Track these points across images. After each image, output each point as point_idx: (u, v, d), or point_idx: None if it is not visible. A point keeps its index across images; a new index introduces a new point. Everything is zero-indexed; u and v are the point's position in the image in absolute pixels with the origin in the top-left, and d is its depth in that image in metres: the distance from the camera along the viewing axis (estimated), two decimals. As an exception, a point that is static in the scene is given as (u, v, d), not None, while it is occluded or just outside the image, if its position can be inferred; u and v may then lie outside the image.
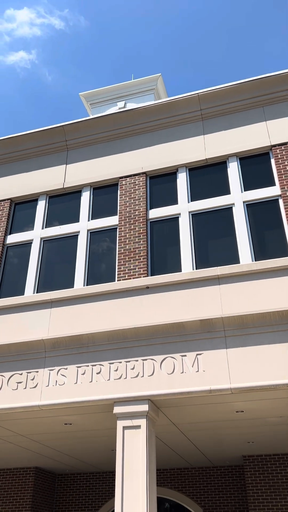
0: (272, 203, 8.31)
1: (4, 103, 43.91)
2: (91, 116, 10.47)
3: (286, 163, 8.43)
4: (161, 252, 8.62)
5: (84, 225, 9.34)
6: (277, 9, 37.84)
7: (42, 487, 12.24)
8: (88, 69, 43.64)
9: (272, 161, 8.64)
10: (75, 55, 42.88)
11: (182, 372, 6.82)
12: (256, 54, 41.63)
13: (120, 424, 6.80)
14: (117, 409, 6.87)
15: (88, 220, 9.39)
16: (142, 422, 6.73)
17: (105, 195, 9.65)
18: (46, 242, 9.52)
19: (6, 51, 42.01)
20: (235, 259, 7.94)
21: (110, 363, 7.21)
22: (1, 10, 40.19)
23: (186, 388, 6.68)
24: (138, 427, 6.71)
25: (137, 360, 7.10)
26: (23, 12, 40.09)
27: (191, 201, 8.88)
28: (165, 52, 41.68)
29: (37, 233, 9.59)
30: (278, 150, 8.60)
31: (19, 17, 40.06)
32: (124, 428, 6.76)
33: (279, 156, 8.52)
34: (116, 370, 7.12)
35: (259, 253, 7.91)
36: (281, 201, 8.16)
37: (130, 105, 15.98)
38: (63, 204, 9.90)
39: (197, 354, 6.88)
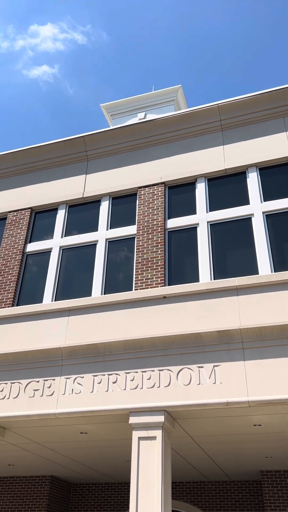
0: (292, 213, 8.23)
1: (28, 115, 44.79)
2: (111, 127, 10.58)
3: (306, 174, 8.36)
4: (178, 262, 8.61)
5: (102, 234, 9.40)
6: (299, 20, 37.79)
7: (57, 496, 12.21)
8: (109, 82, 44.27)
9: (292, 171, 8.59)
10: (96, 69, 43.58)
11: (199, 384, 6.75)
12: (276, 65, 41.53)
13: (136, 434, 6.76)
14: (132, 419, 6.83)
15: (107, 229, 9.44)
16: (158, 433, 6.67)
17: (123, 204, 9.70)
18: (65, 251, 9.61)
19: (29, 65, 42.95)
20: (253, 270, 7.86)
21: (126, 373, 7.19)
22: (26, 26, 41.17)
23: (202, 400, 6.61)
24: (154, 438, 6.66)
25: (153, 370, 7.07)
26: (46, 27, 40.99)
27: (210, 211, 8.85)
28: (186, 63, 41.96)
29: (56, 242, 9.69)
30: (298, 160, 8.54)
31: (42, 32, 40.98)
32: (140, 438, 6.72)
33: (300, 167, 8.46)
34: (132, 380, 7.10)
35: (279, 264, 7.81)
36: (301, 212, 8.08)
37: (151, 116, 16.10)
38: (82, 213, 9.99)
39: (214, 366, 6.81)
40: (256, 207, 8.47)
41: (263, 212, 8.38)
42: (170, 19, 38.45)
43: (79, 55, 43.03)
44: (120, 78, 43.67)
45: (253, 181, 8.80)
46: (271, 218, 8.34)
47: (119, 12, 38.59)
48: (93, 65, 43.42)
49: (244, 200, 8.70)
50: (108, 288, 8.75)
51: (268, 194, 8.61)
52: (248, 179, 8.86)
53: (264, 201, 8.54)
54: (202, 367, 6.87)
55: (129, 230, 9.25)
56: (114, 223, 9.54)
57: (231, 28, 39.36)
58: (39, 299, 9.12)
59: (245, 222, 8.48)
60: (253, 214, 8.44)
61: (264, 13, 37.99)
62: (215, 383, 6.68)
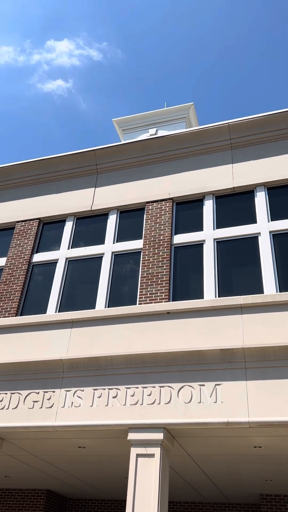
0: (299, 234, 8.21)
1: (40, 128, 45.37)
2: (122, 142, 10.69)
3: (314, 195, 8.35)
4: (183, 278, 8.60)
5: (109, 247, 9.43)
6: (312, 43, 38.19)
7: (52, 510, 12.04)
8: (122, 98, 44.83)
9: (301, 192, 8.59)
10: (110, 85, 44.21)
11: (200, 402, 6.69)
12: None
13: (134, 451, 6.68)
14: (131, 436, 6.76)
15: (113, 243, 9.47)
16: (156, 451, 6.60)
17: (131, 218, 9.74)
18: (71, 262, 9.64)
19: (44, 79, 43.66)
20: (258, 289, 7.83)
21: (126, 388, 7.14)
22: (43, 41, 41.94)
23: (202, 419, 6.53)
24: (152, 455, 6.58)
25: (154, 387, 7.01)
26: (63, 43, 41.75)
27: (217, 228, 8.86)
28: (199, 82, 42.43)
29: (63, 253, 9.73)
30: (307, 181, 8.54)
31: (58, 47, 41.72)
32: (138, 455, 6.64)
33: (308, 188, 8.46)
34: (133, 395, 7.05)
35: (284, 284, 7.77)
36: (308, 233, 8.06)
37: (162, 132, 16.25)
38: (89, 226, 10.04)
39: (215, 384, 6.75)
40: (263, 226, 8.47)
41: (270, 232, 8.38)
42: (184, 39, 39.03)
43: (93, 71, 43.73)
44: (133, 95, 44.24)
45: (261, 200, 8.81)
46: (277, 238, 8.33)
47: (135, 30, 39.27)
48: (107, 81, 44.08)
49: (252, 219, 8.71)
50: (112, 301, 8.74)
51: (275, 214, 8.61)
52: (256, 198, 8.88)
53: (271, 220, 8.54)
54: (203, 385, 6.80)
55: (135, 244, 9.28)
56: (120, 236, 9.57)
57: (246, 48, 39.85)
58: (43, 309, 9.12)
59: (252, 241, 8.47)
60: (260, 233, 8.43)
61: (281, 32, 38.45)
62: (216, 402, 6.61)
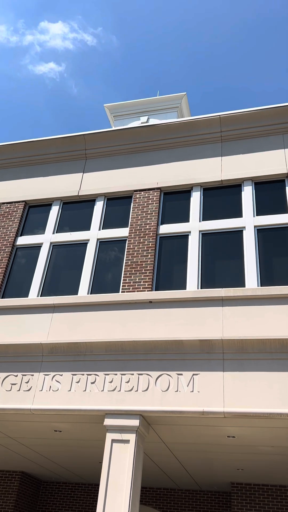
0: (283, 230, 8.30)
1: (30, 110, 44.64)
2: (113, 128, 10.60)
3: (300, 192, 8.44)
4: (167, 268, 8.64)
5: (94, 234, 9.40)
6: (308, 40, 38.20)
7: (26, 493, 12.13)
8: (114, 85, 44.28)
9: (287, 188, 8.65)
10: (103, 71, 43.59)
11: (177, 391, 6.78)
12: (283, 81, 41.88)
13: (109, 436, 6.76)
14: (107, 421, 6.83)
15: (99, 230, 9.45)
16: (132, 437, 6.68)
17: (118, 206, 9.72)
18: (55, 247, 9.59)
19: (36, 61, 42.84)
20: (240, 283, 7.92)
21: (105, 374, 7.19)
22: (36, 22, 41.07)
23: (179, 407, 6.63)
24: (127, 441, 6.66)
25: (132, 374, 7.08)
26: (57, 25, 40.91)
27: (203, 220, 8.90)
28: (193, 73, 42.17)
29: (48, 238, 9.68)
30: (293, 178, 8.62)
31: (52, 29, 40.90)
32: (113, 441, 6.72)
33: (294, 184, 8.54)
34: (111, 382, 7.10)
35: (266, 279, 7.88)
36: (292, 229, 8.16)
37: (153, 121, 16.15)
38: (76, 211, 9.99)
39: (193, 374, 6.84)
40: (248, 221, 8.54)
41: (254, 226, 8.45)
42: (180, 28, 38.64)
43: (87, 56, 43.05)
44: (126, 82, 43.75)
45: (247, 195, 8.87)
46: (262, 233, 8.41)
47: (131, 18, 38.68)
48: (100, 67, 43.45)
49: (237, 213, 8.77)
50: (95, 288, 8.75)
51: (261, 209, 8.68)
52: (243, 192, 8.93)
53: (256, 215, 8.61)
54: (181, 374, 6.89)
55: (121, 232, 9.27)
56: (107, 223, 9.55)
57: (241, 40, 39.67)
58: (25, 293, 9.09)
59: (236, 235, 8.54)
60: (244, 227, 8.50)
61: (278, 24, 38.36)
62: (192, 391, 6.70)
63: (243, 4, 36.10)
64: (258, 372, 6.61)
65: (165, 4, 36.99)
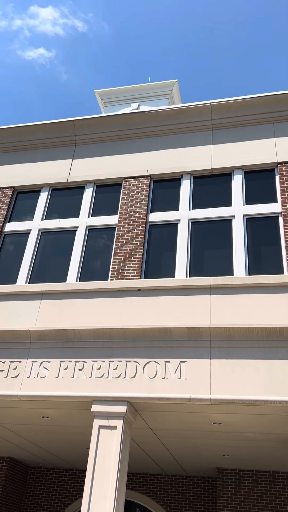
0: (272, 219, 8.33)
1: (18, 96, 43.97)
2: (103, 114, 10.49)
3: (290, 182, 8.45)
4: (156, 256, 8.64)
5: (83, 221, 9.35)
6: (300, 29, 38.02)
7: (14, 478, 12.20)
8: (105, 72, 43.74)
9: (277, 178, 8.67)
10: (93, 58, 42.99)
11: (164, 378, 6.82)
12: (276, 69, 41.75)
13: (97, 423, 6.79)
14: (95, 408, 6.86)
15: (88, 217, 9.40)
16: (119, 423, 6.73)
17: (107, 193, 9.66)
18: (44, 234, 9.53)
19: (25, 46, 42.08)
20: (229, 271, 7.95)
21: (93, 361, 7.21)
22: (25, 5, 40.24)
23: (166, 394, 6.68)
24: (114, 427, 6.71)
25: (120, 361, 7.10)
26: (47, 10, 40.15)
27: (192, 208, 8.89)
28: (185, 60, 41.81)
29: (36, 224, 9.60)
30: (283, 168, 8.63)
31: (42, 14, 40.12)
32: (100, 427, 6.76)
33: (284, 174, 8.54)
34: (99, 369, 7.12)
35: (254, 267, 7.92)
36: (281, 219, 8.18)
37: (144, 108, 16.02)
38: (65, 198, 9.91)
39: (180, 361, 6.88)
40: (238, 210, 8.55)
41: (244, 215, 8.47)
42: (173, 16, 38.17)
43: (77, 42, 42.37)
44: (117, 70, 43.23)
45: (237, 184, 8.87)
46: (251, 222, 8.43)
47: (122, 4, 38.10)
48: (90, 54, 42.86)
49: (227, 201, 8.77)
50: (84, 275, 8.72)
51: (250, 198, 8.69)
52: (233, 181, 8.93)
53: (246, 204, 8.63)
54: (169, 361, 6.93)
55: (110, 220, 9.23)
56: (96, 211, 9.50)
57: (234, 26, 39.34)
58: (13, 280, 9.03)
59: (226, 223, 8.55)
60: (234, 216, 8.52)
61: (270, 14, 38.08)
62: (180, 378, 6.75)
63: (236, -9, 35.76)
64: (245, 359, 6.67)
65: (157, -11, 36.49)
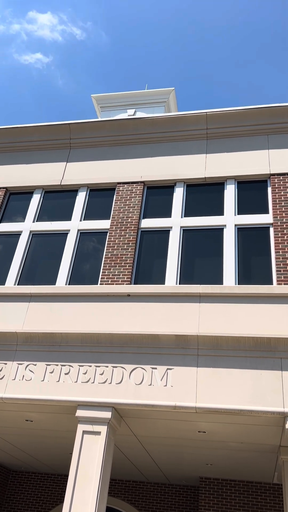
0: (263, 230, 8.39)
1: (14, 100, 43.92)
2: (99, 119, 10.52)
3: (282, 193, 8.52)
4: (147, 262, 8.64)
5: (75, 224, 9.33)
6: (297, 44, 38.52)
7: (-6, 482, 12.05)
8: (101, 81, 43.90)
9: (269, 189, 8.74)
10: (90, 65, 43.16)
11: (150, 385, 6.80)
12: (271, 81, 42.21)
13: (81, 428, 6.75)
14: (79, 413, 6.82)
15: (80, 220, 9.38)
16: (103, 429, 6.69)
17: (100, 198, 9.66)
18: (35, 236, 9.49)
19: (22, 50, 42.10)
20: (218, 280, 7.98)
21: (80, 365, 7.17)
22: (24, 11, 40.30)
23: (151, 401, 6.66)
24: (98, 433, 6.67)
25: (107, 366, 7.08)
26: (46, 16, 40.24)
27: (185, 216, 8.93)
28: (182, 70, 42.11)
29: (27, 226, 9.57)
30: (276, 179, 8.70)
31: (40, 20, 40.20)
32: (84, 432, 6.71)
33: (276, 186, 8.62)
34: (85, 373, 7.09)
35: (243, 277, 7.96)
36: (271, 230, 8.24)
37: (140, 114, 16.09)
38: (57, 200, 9.89)
39: (167, 369, 6.87)
40: (230, 219, 8.60)
41: (235, 225, 8.52)
42: (171, 27, 38.49)
43: (75, 49, 42.50)
44: (113, 78, 43.41)
45: (230, 193, 8.92)
46: (242, 232, 8.48)
47: (121, 14, 38.32)
48: (87, 61, 43.01)
49: (219, 211, 8.82)
50: (74, 279, 8.69)
51: (242, 208, 8.75)
52: (225, 191, 8.99)
53: (238, 214, 8.68)
54: (155, 368, 6.92)
55: (102, 224, 9.22)
56: (88, 215, 9.49)
57: (232, 37, 39.76)
58: (1, 281, 8.97)
59: (217, 232, 8.59)
60: (225, 226, 8.56)
61: (269, 23, 38.55)
62: (166, 385, 6.74)
63: (233, 2, 36.17)
64: (231, 369, 6.68)
65: (157, 1, 36.79)
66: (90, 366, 7.13)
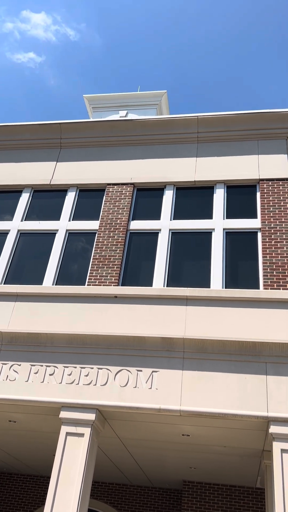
0: (251, 234, 8.42)
1: (5, 99, 43.62)
2: (90, 119, 10.48)
3: (270, 199, 8.57)
4: (135, 264, 8.62)
5: (64, 224, 9.28)
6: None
7: (-25, 483, 11.90)
8: (94, 82, 43.84)
9: (258, 194, 8.78)
10: (83, 66, 43.07)
11: (135, 387, 6.78)
12: (264, 87, 42.54)
13: (64, 429, 6.71)
14: (63, 414, 6.77)
15: (69, 220, 9.33)
16: (87, 430, 6.65)
17: (90, 198, 9.62)
18: (23, 235, 9.41)
19: (15, 49, 41.84)
20: (206, 283, 7.99)
21: (65, 366, 7.13)
22: (18, 9, 40.06)
23: (136, 403, 6.64)
24: (82, 435, 6.63)
25: (92, 368, 7.04)
26: (39, 16, 40.05)
27: (174, 219, 8.93)
28: (175, 74, 42.24)
29: (15, 225, 9.49)
30: (265, 185, 8.75)
31: (34, 19, 40.01)
32: (68, 434, 6.67)
33: (265, 191, 8.66)
34: (70, 375, 7.04)
35: (230, 281, 7.98)
36: (259, 234, 8.28)
37: (132, 116, 16.08)
38: (46, 200, 9.83)
39: (153, 371, 6.86)
40: (218, 223, 8.62)
41: (223, 229, 8.54)
42: (165, 30, 38.59)
43: (68, 49, 42.38)
44: (105, 80, 43.37)
45: (219, 197, 8.95)
46: (230, 236, 8.51)
47: (115, 17, 38.31)
48: (80, 62, 42.92)
49: (208, 214, 8.84)
50: (61, 279, 8.64)
51: (231, 212, 8.78)
52: (215, 194, 9.01)
53: (226, 218, 8.71)
54: (141, 370, 6.90)
55: (91, 225, 9.19)
56: (77, 215, 9.44)
57: (226, 41, 40.00)
58: (-12, 279, 8.87)
59: (206, 236, 8.61)
60: (214, 229, 8.58)
61: (263, 30, 38.87)
62: (151, 388, 6.73)
63: (226, 5, 36.40)
64: (217, 372, 6.69)
65: (151, 4, 36.89)
66: (75, 367, 7.09)
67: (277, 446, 6.12)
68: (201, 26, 38.01)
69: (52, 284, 8.51)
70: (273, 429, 6.21)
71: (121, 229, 8.87)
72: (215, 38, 38.87)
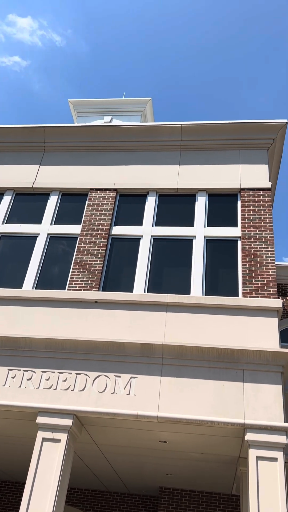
0: (231, 243, 8.53)
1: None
2: (75, 124, 10.49)
3: (251, 208, 8.70)
4: (116, 269, 8.64)
5: (45, 228, 9.24)
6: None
7: None
8: (79, 88, 43.87)
9: (239, 203, 8.90)
10: (68, 72, 43.08)
11: (113, 393, 6.78)
12: (248, 97, 43.17)
13: (40, 435, 6.65)
14: (40, 419, 6.72)
15: (51, 224, 9.30)
16: (63, 436, 6.61)
17: (72, 203, 9.61)
18: (3, 238, 9.34)
19: (0, 52, 41.61)
20: (186, 290, 8.05)
21: (42, 371, 7.08)
22: (3, 13, 39.85)
23: (113, 409, 6.63)
24: (58, 441, 6.59)
25: (70, 373, 7.01)
26: (26, 20, 39.94)
27: (156, 225, 8.98)
28: (160, 82, 42.56)
29: (-4, 227, 9.40)
30: (246, 194, 8.88)
31: (20, 23, 39.87)
32: (44, 439, 6.62)
33: (246, 200, 8.79)
34: (48, 380, 7.00)
35: (210, 288, 8.06)
36: (239, 243, 8.39)
37: (116, 122, 16.13)
38: (28, 203, 9.77)
39: (131, 377, 6.87)
40: (199, 231, 8.70)
41: (204, 236, 8.63)
42: (151, 39, 38.89)
43: (54, 55, 42.33)
44: (90, 86, 43.43)
45: (200, 205, 9.05)
46: (211, 244, 8.60)
47: (101, 24, 38.47)
48: (66, 68, 42.91)
49: (190, 222, 8.92)
50: (41, 283, 8.59)
51: (212, 220, 8.87)
52: (196, 202, 9.10)
53: (207, 226, 8.80)
54: (119, 376, 6.90)
55: (73, 229, 9.17)
56: (59, 219, 9.42)
57: (214, 49, 40.50)
58: None
59: (187, 243, 8.67)
60: (195, 237, 8.66)
61: (249, 36, 39.49)
62: (129, 394, 6.73)
63: (212, 14, 36.91)
64: (195, 379, 6.74)
65: (138, 12, 37.16)
66: (53, 372, 7.05)
67: (252, 453, 6.19)
68: (187, 34, 38.45)
69: (32, 288, 8.46)
70: (249, 436, 6.28)
71: (103, 234, 8.88)
72: (202, 46, 39.36)
